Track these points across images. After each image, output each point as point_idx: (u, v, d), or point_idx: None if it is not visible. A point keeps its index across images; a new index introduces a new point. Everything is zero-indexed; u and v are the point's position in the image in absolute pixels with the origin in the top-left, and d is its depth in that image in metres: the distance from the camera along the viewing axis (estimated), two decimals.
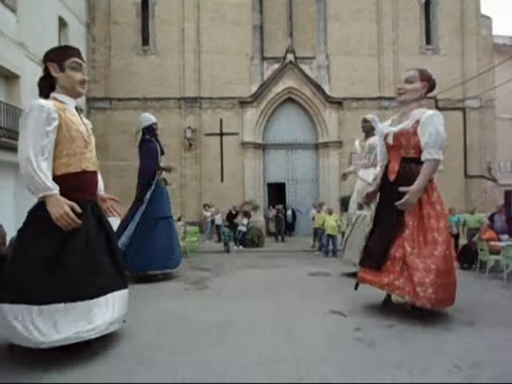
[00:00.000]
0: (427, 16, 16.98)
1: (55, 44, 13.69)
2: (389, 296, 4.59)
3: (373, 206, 5.46)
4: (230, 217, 14.32)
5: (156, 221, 6.95)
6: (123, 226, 6.82)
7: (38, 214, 3.18)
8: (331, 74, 16.60)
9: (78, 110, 3.59)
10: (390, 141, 4.39)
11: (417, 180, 4.11)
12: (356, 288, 4.76)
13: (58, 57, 3.48)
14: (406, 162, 4.32)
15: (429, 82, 4.49)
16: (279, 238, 15.16)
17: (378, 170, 5.00)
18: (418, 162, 4.22)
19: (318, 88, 16.45)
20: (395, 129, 4.38)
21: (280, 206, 15.61)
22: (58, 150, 3.32)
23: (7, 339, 3.13)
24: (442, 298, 4.00)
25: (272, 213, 15.88)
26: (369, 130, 6.88)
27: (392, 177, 4.37)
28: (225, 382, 2.76)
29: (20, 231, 3.24)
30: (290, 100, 16.82)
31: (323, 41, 16.63)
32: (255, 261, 9.92)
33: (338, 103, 16.47)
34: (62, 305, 3.01)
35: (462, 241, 9.95)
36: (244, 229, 13.48)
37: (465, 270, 8.04)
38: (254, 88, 16.42)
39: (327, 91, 16.49)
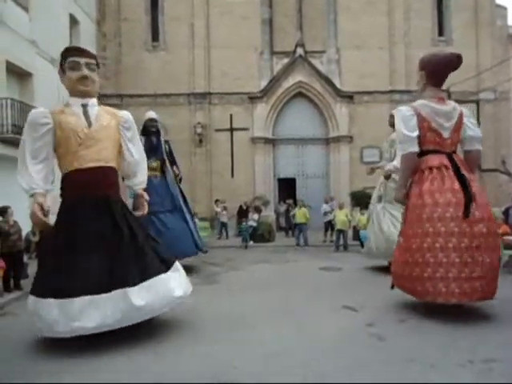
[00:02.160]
0: (440, 7, 16.63)
1: (67, 42, 13.81)
2: None
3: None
4: (241, 212, 14.31)
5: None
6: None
7: None
8: (342, 67, 16.40)
9: (86, 107, 3.64)
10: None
11: None
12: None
13: (61, 60, 3.67)
14: None
15: (426, 69, 3.93)
16: (290, 232, 15.13)
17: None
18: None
19: (329, 82, 16.28)
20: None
21: (290, 201, 15.56)
22: (60, 151, 3.54)
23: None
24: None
25: (282, 208, 15.85)
26: (393, 124, 6.73)
27: None
28: (232, 373, 2.78)
29: None
30: (300, 94, 16.68)
31: (333, 34, 16.43)
32: (266, 256, 9.93)
33: (348, 97, 16.29)
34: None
35: None
36: (255, 224, 13.47)
37: None
38: (264, 83, 16.33)
39: (338, 85, 16.31)
